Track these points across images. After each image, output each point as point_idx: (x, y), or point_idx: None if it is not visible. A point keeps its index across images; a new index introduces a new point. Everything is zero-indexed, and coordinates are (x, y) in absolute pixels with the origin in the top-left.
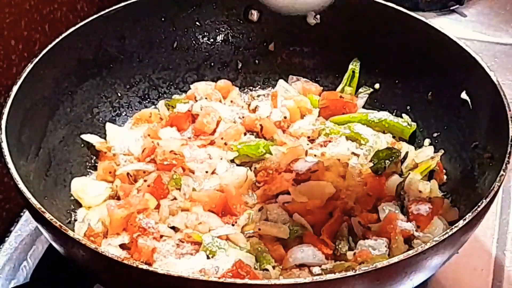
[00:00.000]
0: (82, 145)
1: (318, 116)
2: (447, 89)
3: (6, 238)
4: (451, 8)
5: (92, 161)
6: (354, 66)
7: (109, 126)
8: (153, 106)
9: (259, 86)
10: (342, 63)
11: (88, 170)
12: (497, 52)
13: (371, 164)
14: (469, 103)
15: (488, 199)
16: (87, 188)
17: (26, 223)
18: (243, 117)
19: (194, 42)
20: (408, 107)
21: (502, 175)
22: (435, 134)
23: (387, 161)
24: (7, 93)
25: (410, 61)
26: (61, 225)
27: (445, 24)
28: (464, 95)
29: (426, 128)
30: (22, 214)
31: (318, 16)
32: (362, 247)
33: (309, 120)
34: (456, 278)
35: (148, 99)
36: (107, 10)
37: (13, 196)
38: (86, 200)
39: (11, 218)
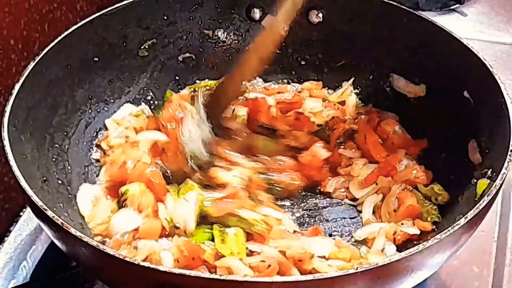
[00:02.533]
0: (84, 143)
1: None
2: (449, 87)
3: (6, 238)
4: (452, 7)
5: (94, 159)
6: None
7: (108, 122)
8: (155, 104)
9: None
10: (344, 62)
11: (89, 168)
12: (498, 52)
13: None
14: (471, 101)
15: (489, 197)
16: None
17: (25, 223)
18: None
19: (196, 41)
20: (411, 106)
21: (504, 173)
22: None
23: None
24: (7, 92)
25: (412, 59)
26: (63, 222)
27: (445, 23)
28: (466, 94)
29: (427, 126)
30: (21, 214)
31: (320, 15)
32: None
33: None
34: (456, 278)
35: (151, 97)
36: (109, 9)
37: (12, 196)
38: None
39: (10, 218)
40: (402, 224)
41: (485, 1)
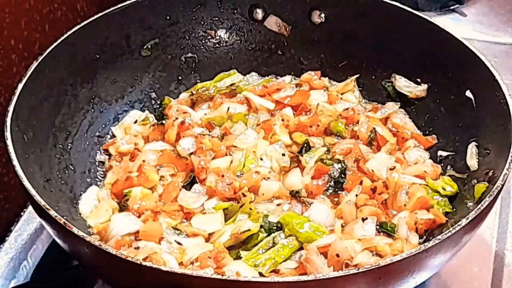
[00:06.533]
0: (87, 143)
1: None
2: (451, 87)
3: (6, 238)
4: (451, 7)
5: (98, 161)
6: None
7: (115, 129)
8: (157, 104)
9: None
10: (346, 62)
11: (92, 168)
12: (497, 52)
13: None
14: (473, 101)
15: (491, 198)
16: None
17: (26, 223)
18: None
19: (198, 41)
20: (412, 106)
21: (506, 174)
22: (438, 133)
23: None
24: (7, 92)
25: (414, 59)
26: (66, 222)
27: (445, 23)
28: (468, 93)
29: (429, 126)
30: (22, 213)
31: (323, 15)
32: None
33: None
34: (456, 278)
35: (153, 97)
36: (111, 9)
37: (13, 196)
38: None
39: (11, 217)
40: (416, 213)
41: (485, 1)
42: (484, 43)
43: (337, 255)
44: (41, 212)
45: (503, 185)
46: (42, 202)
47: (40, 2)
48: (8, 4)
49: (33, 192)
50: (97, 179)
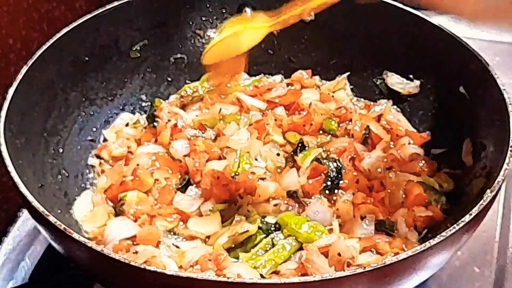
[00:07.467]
0: (79, 147)
1: None
2: (444, 83)
3: (4, 238)
4: None
5: (90, 165)
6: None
7: (106, 132)
8: (148, 107)
9: None
10: (337, 60)
11: (85, 174)
12: (498, 51)
13: None
14: (467, 97)
15: (493, 193)
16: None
17: (24, 223)
18: None
19: (187, 41)
20: (405, 103)
21: (506, 169)
22: (432, 129)
23: None
24: (6, 92)
25: (406, 56)
26: (66, 228)
27: (445, 22)
28: (462, 89)
29: (422, 123)
30: (20, 214)
31: (312, 13)
32: None
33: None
34: (458, 279)
35: (143, 100)
36: (100, 10)
37: (11, 196)
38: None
39: (9, 218)
40: (414, 211)
41: (486, 1)
42: (485, 42)
43: (339, 254)
44: (39, 218)
45: (503, 180)
46: (41, 209)
47: (38, 1)
48: (6, 2)
49: (30, 198)
50: (90, 184)
